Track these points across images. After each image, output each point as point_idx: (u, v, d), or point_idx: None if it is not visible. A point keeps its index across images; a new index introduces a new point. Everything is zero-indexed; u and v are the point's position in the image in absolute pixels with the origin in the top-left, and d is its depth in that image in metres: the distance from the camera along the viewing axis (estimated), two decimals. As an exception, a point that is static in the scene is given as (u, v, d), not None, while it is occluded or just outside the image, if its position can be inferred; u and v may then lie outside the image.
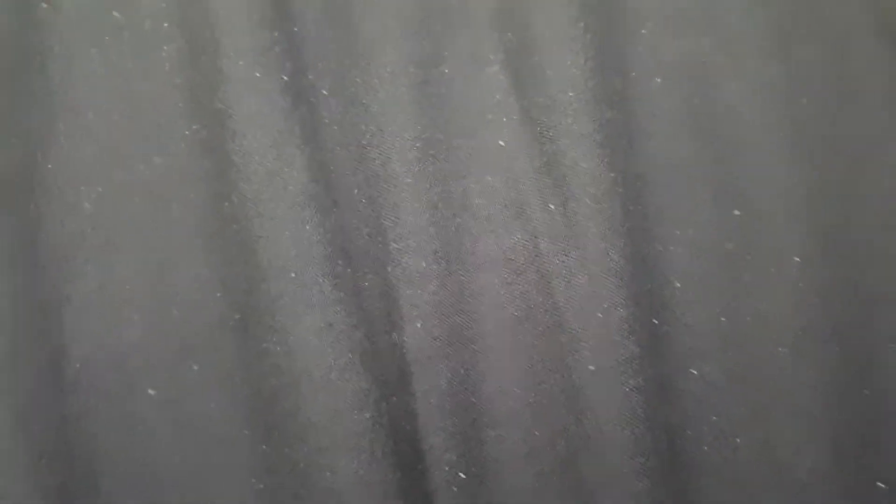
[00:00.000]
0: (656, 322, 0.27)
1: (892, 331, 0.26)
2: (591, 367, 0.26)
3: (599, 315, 0.27)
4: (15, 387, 0.27)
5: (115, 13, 0.31)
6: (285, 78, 0.29)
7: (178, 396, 0.27)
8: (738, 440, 0.26)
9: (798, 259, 0.27)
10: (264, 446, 0.27)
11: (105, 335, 0.28)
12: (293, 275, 0.27)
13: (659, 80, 0.30)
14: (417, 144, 0.29)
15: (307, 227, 0.28)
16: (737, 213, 0.28)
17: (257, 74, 0.29)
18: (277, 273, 0.27)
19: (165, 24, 0.30)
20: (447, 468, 0.26)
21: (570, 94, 0.29)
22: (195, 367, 0.27)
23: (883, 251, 0.27)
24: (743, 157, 0.29)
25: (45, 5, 0.31)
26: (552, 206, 0.28)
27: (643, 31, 0.30)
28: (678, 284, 0.28)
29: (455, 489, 0.26)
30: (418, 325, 0.28)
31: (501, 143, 0.29)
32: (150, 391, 0.27)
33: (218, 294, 0.28)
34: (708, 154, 0.29)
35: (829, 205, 0.28)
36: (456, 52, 0.30)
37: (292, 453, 0.26)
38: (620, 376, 0.26)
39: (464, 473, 0.26)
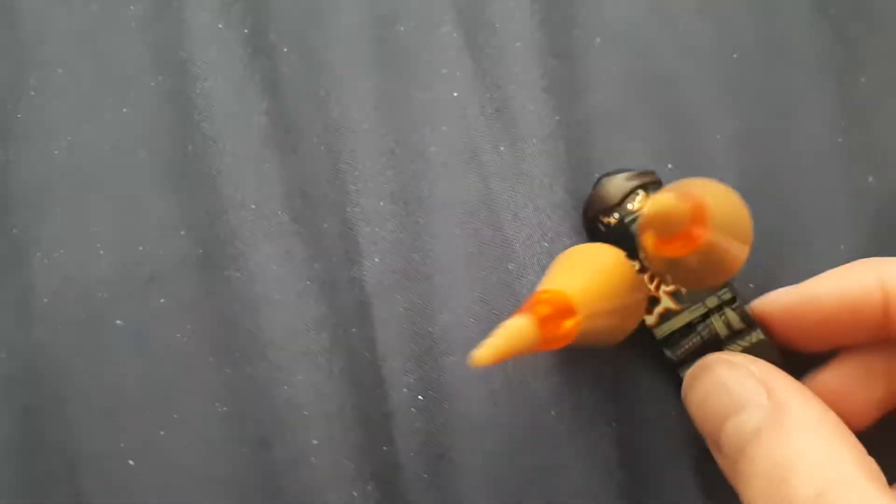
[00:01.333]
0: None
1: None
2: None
3: (545, 244, 0.29)
4: (-17, 317, 0.28)
5: None
6: (246, 31, 0.31)
7: (145, 326, 0.28)
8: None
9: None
10: (227, 370, 0.28)
11: (73, 271, 0.29)
12: (253, 206, 0.28)
13: (599, 39, 0.32)
14: (375, 95, 0.31)
15: (267, 165, 0.29)
16: (669, 166, 0.30)
17: (220, 26, 0.30)
18: (238, 205, 0.29)
19: None
20: (406, 390, 0.28)
21: (518, 44, 0.31)
22: (161, 300, 0.28)
23: (806, 194, 0.30)
24: (676, 111, 0.30)
25: (15, -32, 0.32)
26: (502, 148, 0.30)
27: None
28: None
29: (413, 410, 0.27)
30: (377, 260, 0.29)
31: (455, 94, 0.31)
32: (118, 321, 0.28)
33: (182, 232, 0.29)
34: (643, 107, 0.31)
35: (759, 152, 0.30)
36: (411, 13, 0.32)
37: (253, 371, 0.27)
38: None
39: (422, 396, 0.28)
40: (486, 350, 0.19)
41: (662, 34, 0.32)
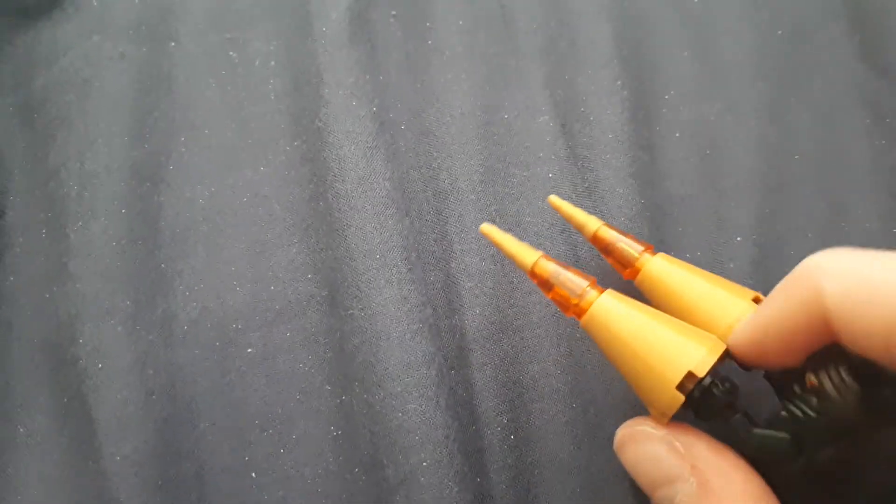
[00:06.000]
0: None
1: None
2: (623, 348, 0.31)
3: None
4: (135, 338, 0.32)
5: (232, 53, 0.37)
6: (374, 109, 0.35)
7: (272, 355, 0.32)
8: None
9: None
10: (343, 397, 0.31)
11: (211, 302, 0.33)
12: (378, 256, 0.32)
13: (677, 134, 0.36)
14: (481, 170, 0.35)
15: (389, 223, 0.33)
16: (738, 239, 0.34)
17: (353, 103, 0.35)
18: (364, 254, 0.32)
19: (273, 63, 0.37)
20: (499, 429, 0.31)
21: (610, 135, 0.35)
22: (287, 333, 0.32)
23: None
24: (741, 197, 0.35)
25: (173, 43, 0.38)
26: None
27: (666, 97, 0.37)
28: None
29: (505, 448, 0.31)
30: (477, 312, 0.32)
31: (550, 174, 0.35)
32: (249, 349, 0.32)
33: (309, 275, 0.33)
34: (712, 192, 0.35)
35: (820, 229, 0.34)
36: (514, 103, 0.36)
37: (370, 398, 0.31)
38: None
39: (513, 436, 0.31)
40: (495, 234, 0.28)
41: (732, 133, 0.36)
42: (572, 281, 0.27)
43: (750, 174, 0.35)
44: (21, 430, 0.31)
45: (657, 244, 0.34)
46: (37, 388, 0.31)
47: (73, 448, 0.31)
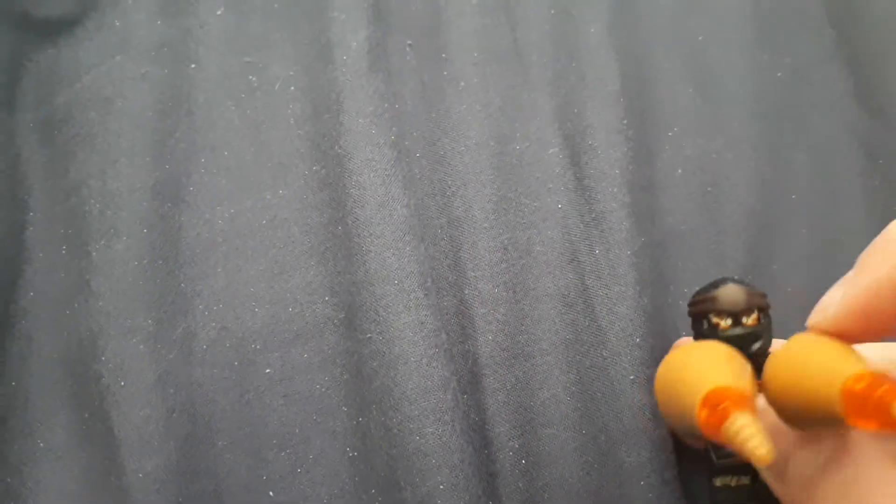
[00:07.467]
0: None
1: None
2: (631, 377, 0.32)
3: (637, 339, 0.33)
4: (156, 357, 0.32)
5: (251, 77, 0.38)
6: (392, 137, 0.36)
7: (290, 376, 0.33)
8: None
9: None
10: (360, 419, 0.32)
11: (230, 322, 0.33)
12: (396, 281, 0.33)
13: (680, 171, 0.37)
14: (494, 198, 0.36)
15: (407, 249, 0.34)
16: (735, 277, 0.35)
17: (373, 131, 0.36)
18: (382, 279, 0.33)
19: (292, 88, 0.38)
20: (511, 454, 0.32)
21: (616, 170, 0.36)
22: (305, 354, 0.33)
23: None
24: (739, 234, 0.36)
25: (193, 65, 0.38)
26: (597, 252, 0.35)
27: (669, 133, 0.38)
28: (683, 333, 0.35)
29: (517, 472, 0.32)
30: (490, 338, 0.34)
31: (560, 205, 0.36)
32: (267, 370, 0.33)
33: (326, 297, 0.34)
34: (712, 229, 0.36)
35: (818, 270, 0.35)
36: (526, 135, 0.38)
37: (387, 421, 0.31)
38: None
39: (524, 460, 0.32)
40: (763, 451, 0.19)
41: (733, 168, 0.38)
42: None
43: (747, 212, 0.37)
44: (41, 444, 0.31)
45: (656, 278, 0.36)
46: (57, 403, 0.32)
47: (94, 464, 0.31)
